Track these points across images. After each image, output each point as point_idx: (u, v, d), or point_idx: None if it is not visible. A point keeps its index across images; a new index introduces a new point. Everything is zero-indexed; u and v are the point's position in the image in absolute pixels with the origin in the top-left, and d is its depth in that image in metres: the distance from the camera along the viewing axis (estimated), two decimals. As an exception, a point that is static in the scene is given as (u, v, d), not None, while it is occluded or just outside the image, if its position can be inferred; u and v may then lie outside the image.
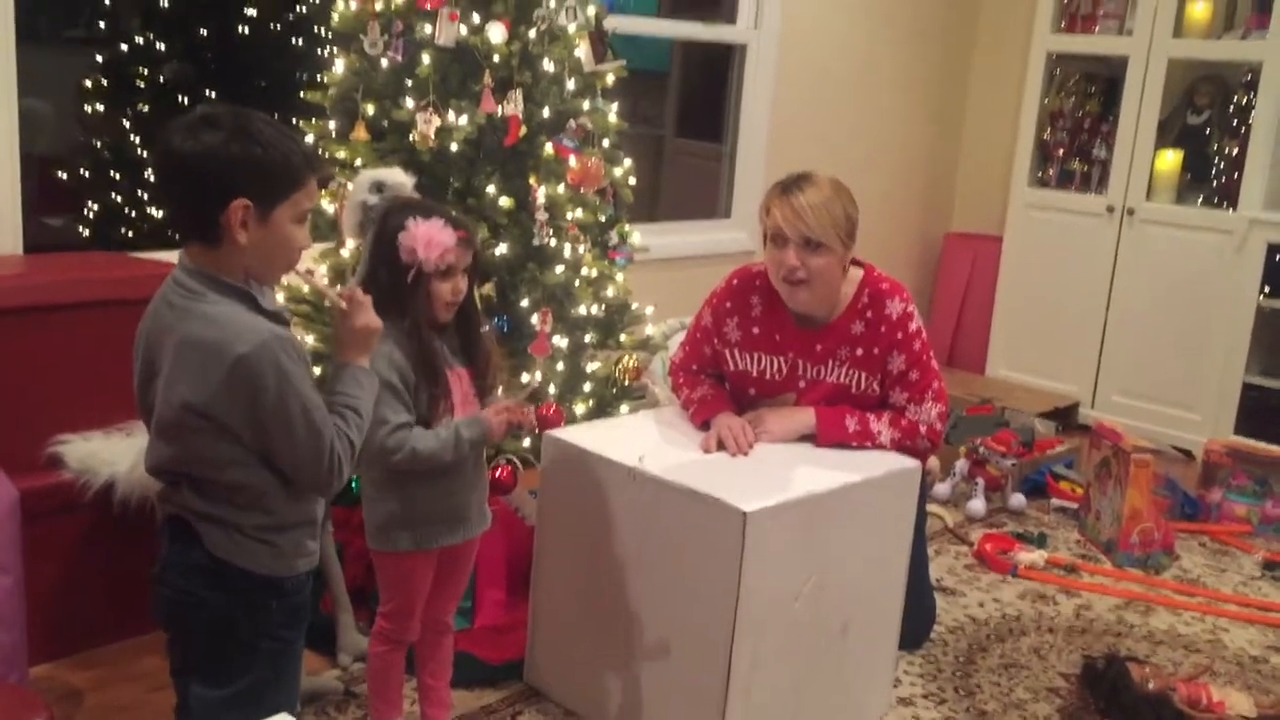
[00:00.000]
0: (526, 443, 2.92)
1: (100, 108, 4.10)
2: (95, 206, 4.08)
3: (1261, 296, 4.66)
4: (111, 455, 2.60)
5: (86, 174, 4.10)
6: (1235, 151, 4.87)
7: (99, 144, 4.13)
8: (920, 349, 2.64)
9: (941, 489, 4.15)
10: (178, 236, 1.76)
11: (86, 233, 4.07)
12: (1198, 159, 5.02)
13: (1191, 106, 5.08)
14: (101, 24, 4.21)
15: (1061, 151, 5.35)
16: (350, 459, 1.79)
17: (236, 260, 1.71)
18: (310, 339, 3.03)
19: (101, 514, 2.63)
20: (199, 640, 1.81)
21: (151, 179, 4.04)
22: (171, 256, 3.20)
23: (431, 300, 2.13)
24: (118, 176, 4.08)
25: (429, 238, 2.08)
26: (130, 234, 4.01)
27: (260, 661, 1.81)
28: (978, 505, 4.03)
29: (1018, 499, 4.12)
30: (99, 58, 4.11)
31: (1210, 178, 4.99)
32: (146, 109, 4.09)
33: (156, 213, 4.04)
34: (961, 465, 4.16)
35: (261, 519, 1.76)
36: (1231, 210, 4.78)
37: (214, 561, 1.76)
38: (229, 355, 1.64)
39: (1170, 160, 5.00)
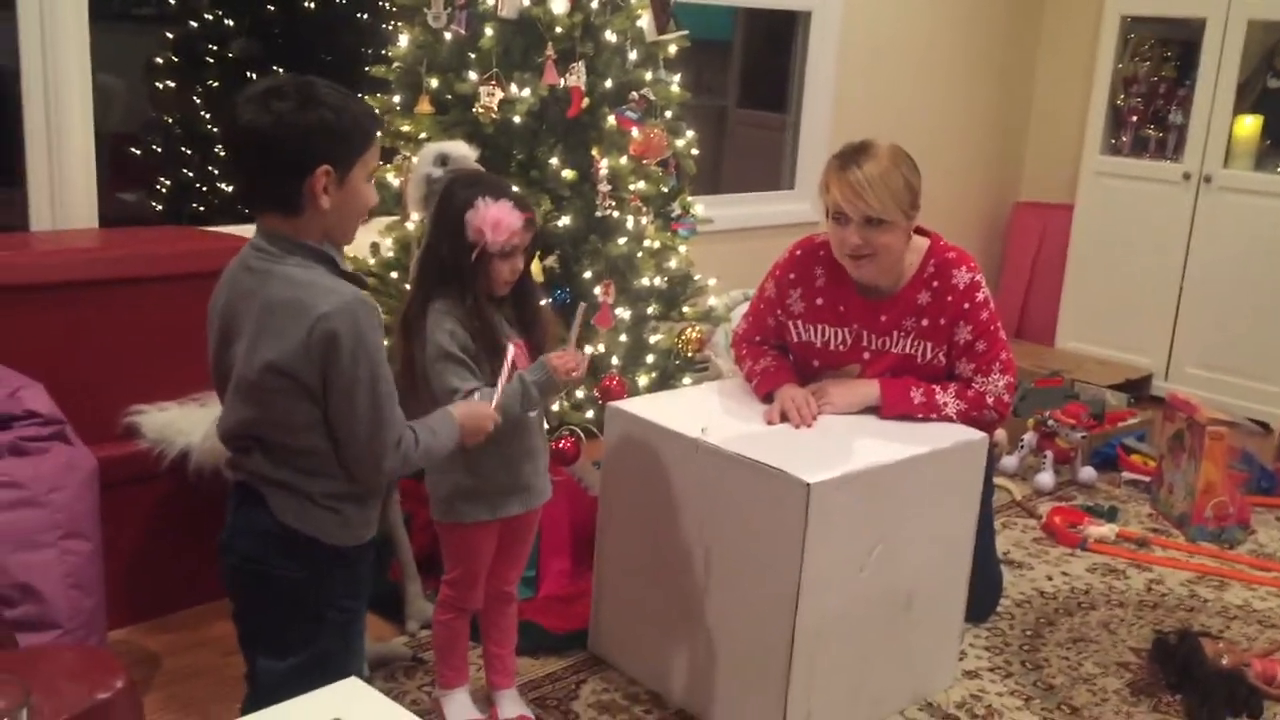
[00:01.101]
0: (590, 414, 2.94)
1: (171, 84, 4.17)
2: (167, 182, 4.14)
3: (1344, 265, 4.53)
4: (186, 425, 2.66)
5: (158, 149, 4.17)
6: (1318, 116, 4.73)
7: (170, 120, 4.20)
8: (987, 319, 2.60)
9: (1009, 462, 4.10)
10: (250, 208, 1.78)
11: (159, 207, 4.14)
12: (1278, 124, 4.87)
13: (1271, 70, 4.92)
14: (171, 1, 4.26)
15: (1135, 118, 5.22)
16: (399, 462, 1.79)
17: (316, 224, 1.73)
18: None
19: (177, 483, 2.68)
20: (265, 609, 1.85)
21: (222, 154, 4.10)
22: (242, 230, 3.26)
23: (492, 278, 2.15)
24: (189, 152, 4.14)
25: (497, 220, 2.09)
26: (202, 209, 4.08)
27: (326, 631, 1.84)
28: (1046, 478, 3.98)
29: (1087, 472, 4.06)
30: (169, 35, 4.16)
31: (1291, 143, 4.84)
32: (216, 85, 4.15)
33: (227, 188, 4.10)
34: (1030, 438, 4.11)
35: (331, 486, 1.79)
36: (1313, 176, 4.64)
37: (282, 529, 1.78)
38: (311, 314, 1.66)
39: (1249, 126, 4.86)
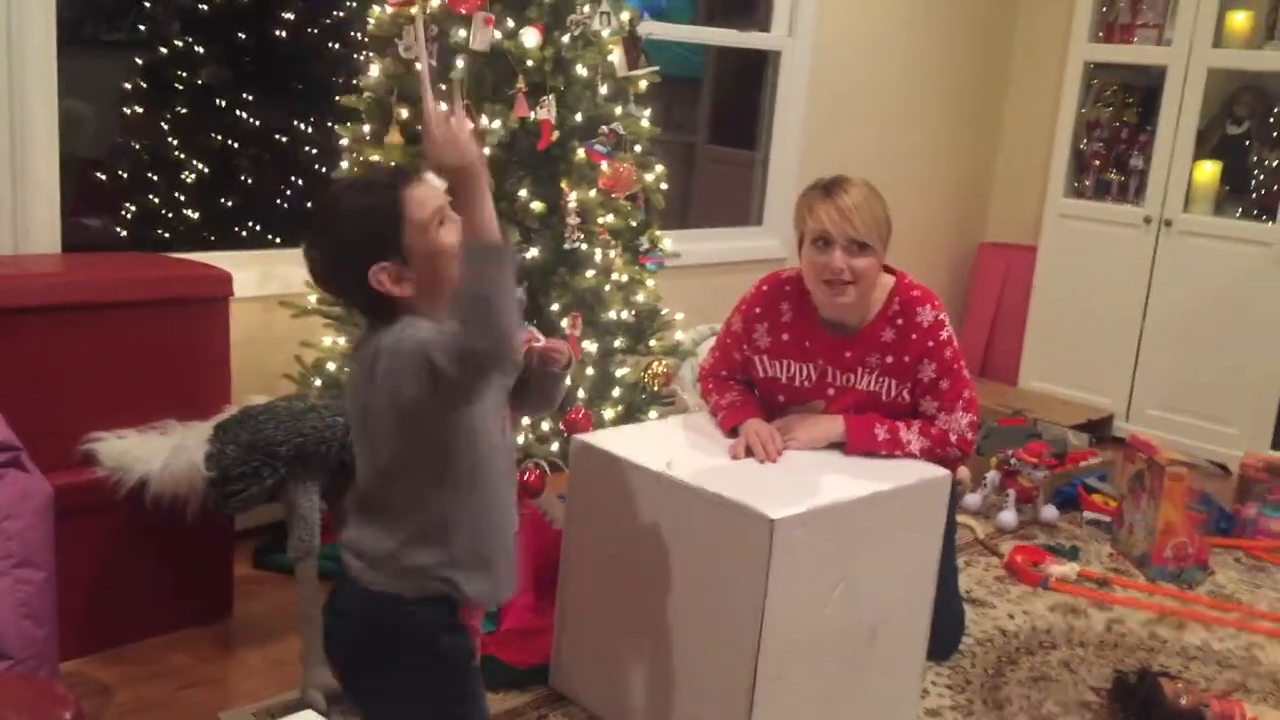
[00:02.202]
0: (555, 447, 2.93)
1: (139, 110, 4.15)
2: (133, 208, 4.12)
3: (1301, 310, 4.60)
4: (145, 453, 2.62)
5: (124, 175, 4.15)
6: (1275, 163, 4.81)
7: (137, 146, 4.18)
8: (951, 357, 2.62)
9: (972, 500, 4.12)
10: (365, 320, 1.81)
11: (124, 234, 4.11)
12: (1237, 170, 4.96)
13: (1231, 117, 5.02)
14: (141, 28, 4.25)
15: (1098, 162, 5.30)
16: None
17: (405, 310, 1.73)
18: (342, 340, 3.05)
19: (134, 512, 2.65)
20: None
21: (188, 181, 4.09)
22: (206, 256, 3.24)
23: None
24: (155, 178, 4.12)
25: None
26: (166, 235, 4.05)
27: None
28: (1009, 517, 4.00)
29: (1049, 511, 4.08)
30: (138, 61, 4.15)
31: (1249, 189, 4.93)
32: (184, 111, 4.14)
33: (193, 214, 4.08)
34: (993, 476, 4.13)
35: None
36: (1271, 222, 4.72)
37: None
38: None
39: (1209, 171, 4.95)
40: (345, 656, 1.85)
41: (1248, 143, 4.97)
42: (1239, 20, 4.82)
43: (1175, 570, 3.66)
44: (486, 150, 2.85)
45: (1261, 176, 4.89)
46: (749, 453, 2.52)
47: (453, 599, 1.76)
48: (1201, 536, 3.82)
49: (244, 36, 4.17)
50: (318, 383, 3.02)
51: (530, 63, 2.86)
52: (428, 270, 1.72)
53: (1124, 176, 5.23)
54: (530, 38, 2.86)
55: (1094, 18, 5.18)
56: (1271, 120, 4.90)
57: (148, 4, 4.20)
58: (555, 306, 2.95)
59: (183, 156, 4.13)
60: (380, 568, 1.75)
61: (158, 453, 2.60)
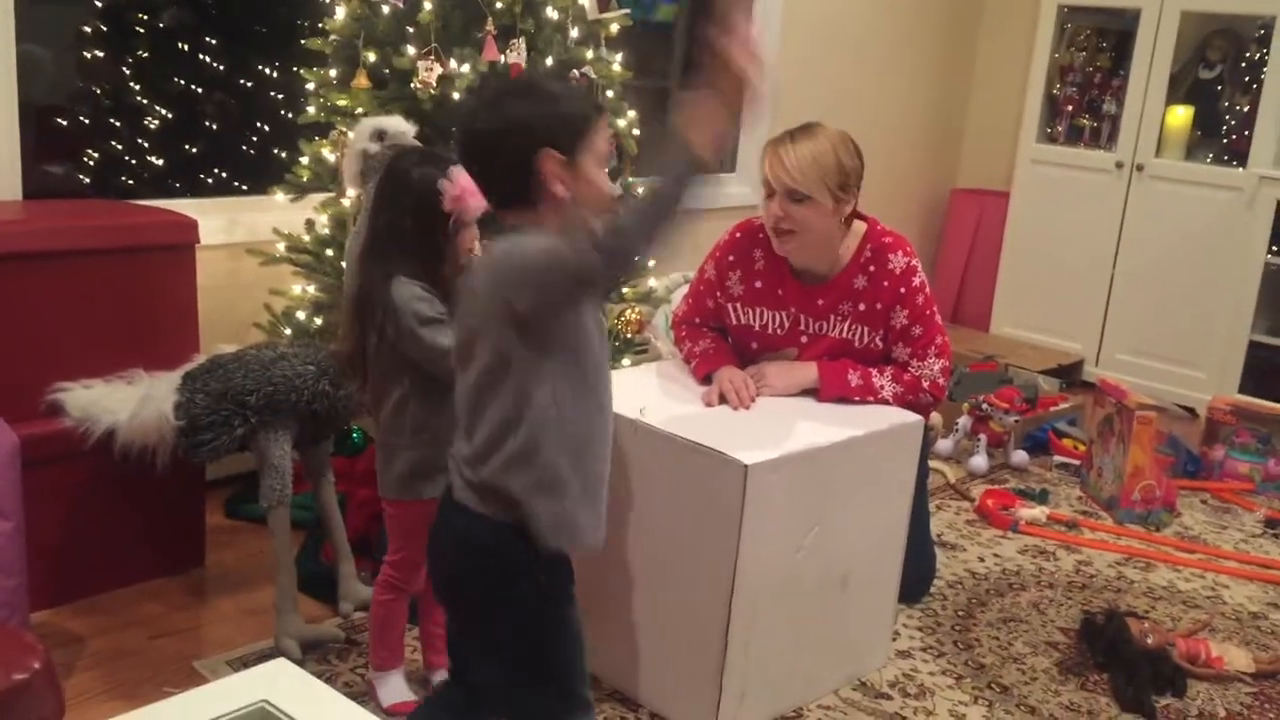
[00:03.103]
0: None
1: (99, 54, 4.05)
2: (95, 154, 4.04)
3: (1270, 255, 4.63)
4: (112, 403, 2.59)
5: (86, 121, 4.06)
6: (1246, 107, 4.81)
7: (98, 91, 4.09)
8: (923, 304, 2.62)
9: (944, 445, 4.14)
10: (496, 210, 1.79)
11: (86, 180, 4.04)
12: (1209, 115, 4.97)
13: (1204, 61, 5.02)
14: (100, -31, 4.15)
15: (1071, 107, 5.30)
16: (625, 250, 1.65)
17: (554, 216, 1.71)
18: (312, 289, 3.01)
19: (102, 462, 2.62)
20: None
21: (151, 127, 4.01)
22: (171, 203, 3.19)
23: (458, 247, 2.16)
24: (117, 124, 4.04)
25: (474, 188, 2.09)
26: (130, 181, 3.98)
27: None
28: (980, 461, 4.03)
29: (1020, 456, 4.12)
30: (98, 3, 4.05)
31: (1221, 134, 4.94)
32: (145, 55, 4.04)
33: (157, 161, 4.01)
34: (964, 422, 4.16)
35: None
36: (1241, 168, 4.74)
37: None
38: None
39: (1181, 116, 4.95)
40: (466, 587, 1.81)
41: (1220, 87, 4.97)
42: (1213, -37, 4.81)
43: (1143, 513, 3.70)
44: (456, 95, 2.81)
45: (1233, 121, 4.90)
46: (723, 400, 2.52)
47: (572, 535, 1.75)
48: (1169, 479, 3.87)
49: (205, -22, 4.07)
50: (287, 331, 2.99)
51: (500, 5, 2.82)
52: (579, 195, 1.73)
53: (1096, 122, 5.23)
54: (499, -21, 2.81)
55: (1068, -40, 5.15)
56: (1244, 64, 4.90)
57: (106, -55, 4.09)
58: (527, 253, 2.92)
59: (145, 102, 4.04)
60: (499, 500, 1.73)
61: (125, 402, 2.57)
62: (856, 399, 2.58)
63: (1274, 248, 4.62)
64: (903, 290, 2.61)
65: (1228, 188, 4.74)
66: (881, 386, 2.59)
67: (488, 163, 1.75)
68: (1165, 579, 3.35)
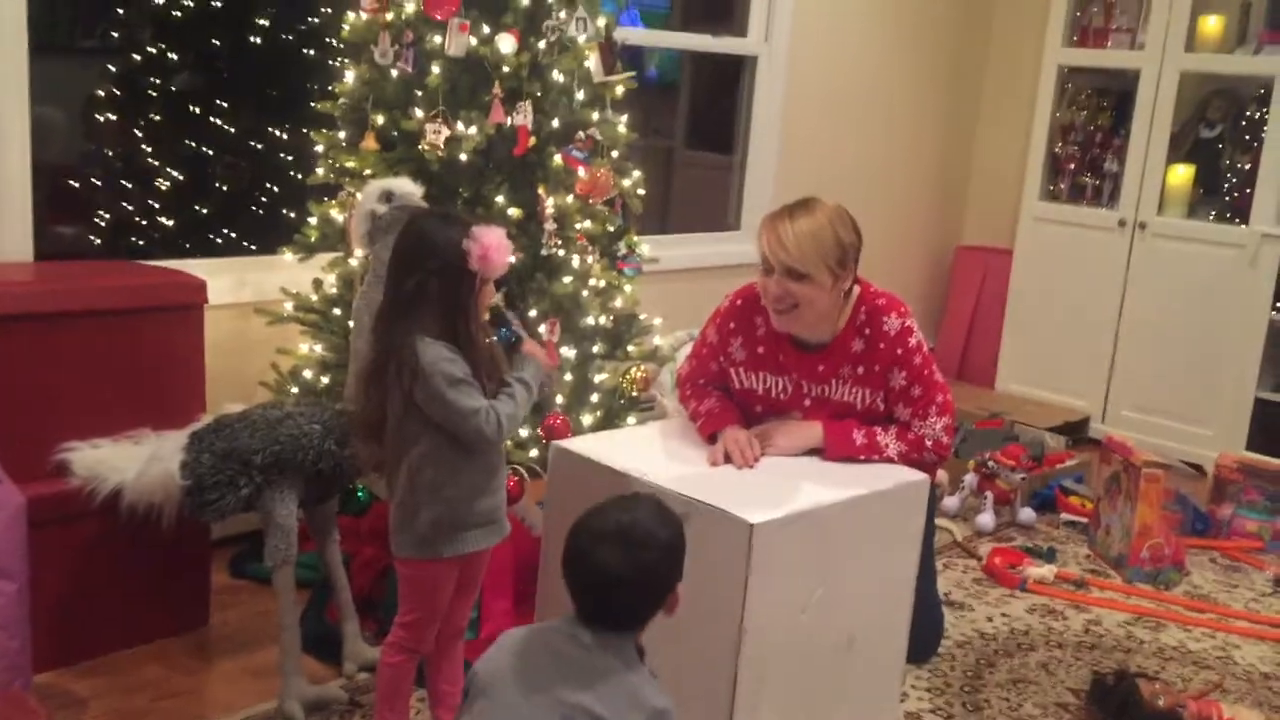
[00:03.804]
0: (534, 453, 2.92)
1: (112, 117, 4.12)
2: (106, 215, 4.08)
3: (1274, 311, 4.64)
4: (119, 463, 2.60)
5: (97, 183, 4.12)
6: (1247, 166, 4.85)
7: (110, 153, 4.15)
8: (921, 364, 2.63)
9: (950, 503, 4.13)
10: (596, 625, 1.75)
11: (97, 241, 4.08)
12: (1210, 173, 5.00)
13: (1204, 120, 5.06)
14: (115, 34, 4.22)
15: (1073, 165, 5.34)
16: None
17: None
18: (319, 348, 3.03)
19: (108, 522, 2.63)
20: None
21: (161, 188, 4.06)
22: (181, 264, 3.22)
23: (479, 305, 2.20)
24: (129, 185, 4.09)
25: (499, 245, 2.15)
26: (140, 243, 4.02)
27: None
28: (986, 519, 4.02)
29: (1027, 513, 4.10)
30: (111, 67, 4.12)
31: (1222, 192, 4.97)
32: (158, 118, 4.11)
33: (167, 221, 4.05)
34: (970, 479, 4.15)
35: None
36: (1244, 225, 4.76)
37: None
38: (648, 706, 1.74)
39: (1182, 174, 4.99)
40: None
41: (1220, 146, 5.01)
42: (1210, 24, 4.87)
43: (1152, 571, 3.68)
44: (463, 156, 2.85)
45: (1234, 179, 4.93)
46: (727, 459, 2.52)
47: None
48: (1177, 537, 3.84)
49: (218, 43, 4.13)
50: (294, 390, 3.01)
51: (506, 69, 2.86)
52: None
53: (1098, 180, 5.26)
54: (506, 44, 2.85)
55: (1068, 22, 5.22)
56: (1244, 124, 4.94)
57: (121, 10, 4.16)
58: (533, 312, 2.94)
59: (156, 164, 4.10)
60: None
61: (132, 462, 2.58)
62: (861, 458, 2.58)
63: (1278, 304, 4.63)
64: (899, 351, 2.61)
65: (1230, 245, 4.77)
66: (886, 445, 2.59)
67: (625, 601, 1.73)
68: (1176, 639, 3.32)
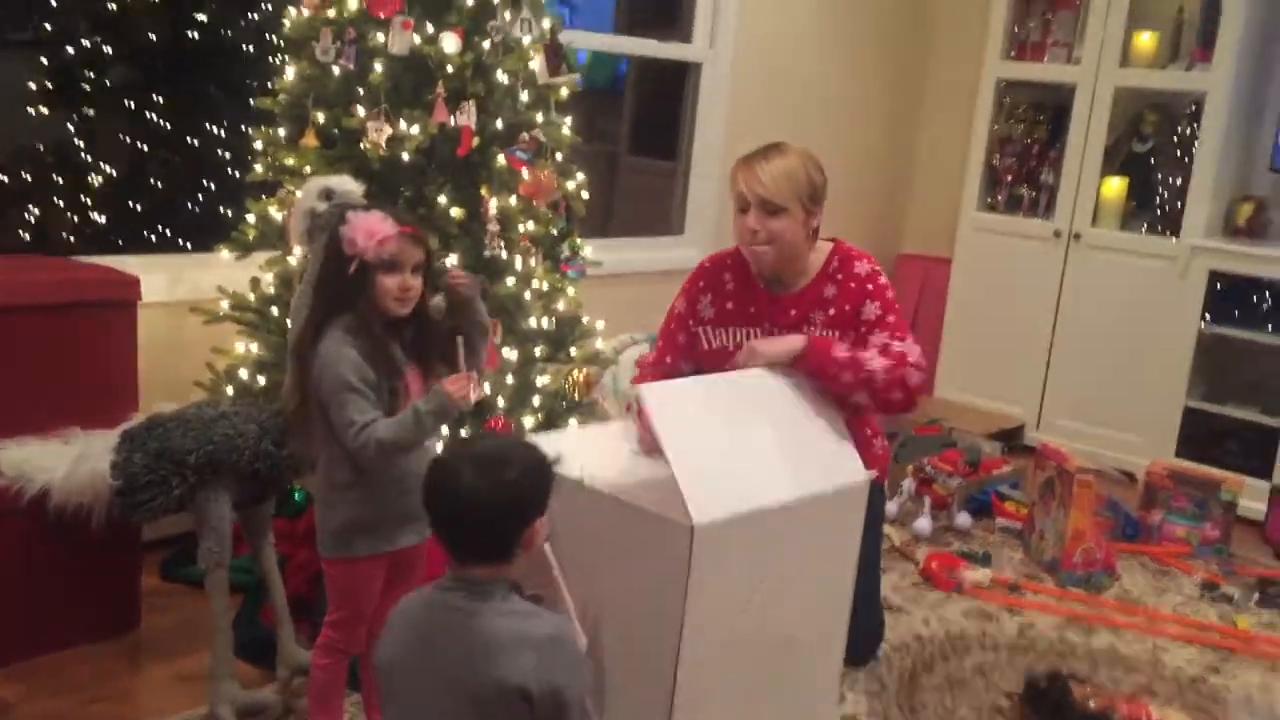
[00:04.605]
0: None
1: (45, 111, 4.03)
2: (37, 210, 4.00)
3: (1203, 323, 4.74)
4: (47, 462, 2.54)
5: (28, 177, 4.03)
6: (1179, 180, 4.95)
7: (42, 147, 4.06)
8: (892, 298, 2.68)
9: (889, 507, 4.16)
10: (458, 558, 1.79)
11: (27, 237, 3.99)
12: (1142, 186, 5.10)
13: (1137, 135, 5.17)
14: (48, 26, 4.13)
15: (1010, 177, 5.42)
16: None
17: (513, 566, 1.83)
18: (255, 347, 2.99)
19: (35, 522, 2.57)
20: None
21: (95, 184, 3.98)
22: (112, 260, 3.16)
23: (379, 295, 2.13)
24: (61, 180, 4.01)
25: (368, 227, 2.10)
26: (73, 239, 3.94)
27: None
28: (924, 524, 4.06)
29: (963, 518, 4.15)
30: (44, 60, 4.03)
31: (1154, 205, 5.07)
32: (92, 113, 4.03)
33: (100, 218, 3.98)
34: (909, 484, 4.19)
35: None
36: (1175, 238, 4.86)
37: None
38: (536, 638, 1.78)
39: (1115, 187, 5.09)
40: None
41: (1153, 160, 5.12)
42: (1144, 40, 4.97)
43: (1084, 575, 3.74)
44: (405, 156, 2.82)
45: (1166, 193, 5.03)
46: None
47: None
48: (1109, 542, 3.91)
49: (155, 37, 4.07)
50: (230, 390, 2.96)
51: (450, 68, 2.84)
52: None
53: (1035, 191, 5.35)
54: (450, 43, 2.84)
55: (1006, 36, 5.30)
56: (1176, 139, 5.05)
57: (55, 2, 4.08)
58: (474, 313, 2.92)
59: (90, 159, 4.02)
60: None
61: (60, 461, 2.52)
62: (844, 374, 2.45)
63: (1207, 316, 4.73)
64: (870, 287, 2.68)
65: (1162, 257, 4.87)
66: (868, 359, 2.49)
67: (478, 524, 1.76)
68: (1107, 642, 3.37)
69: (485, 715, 1.69)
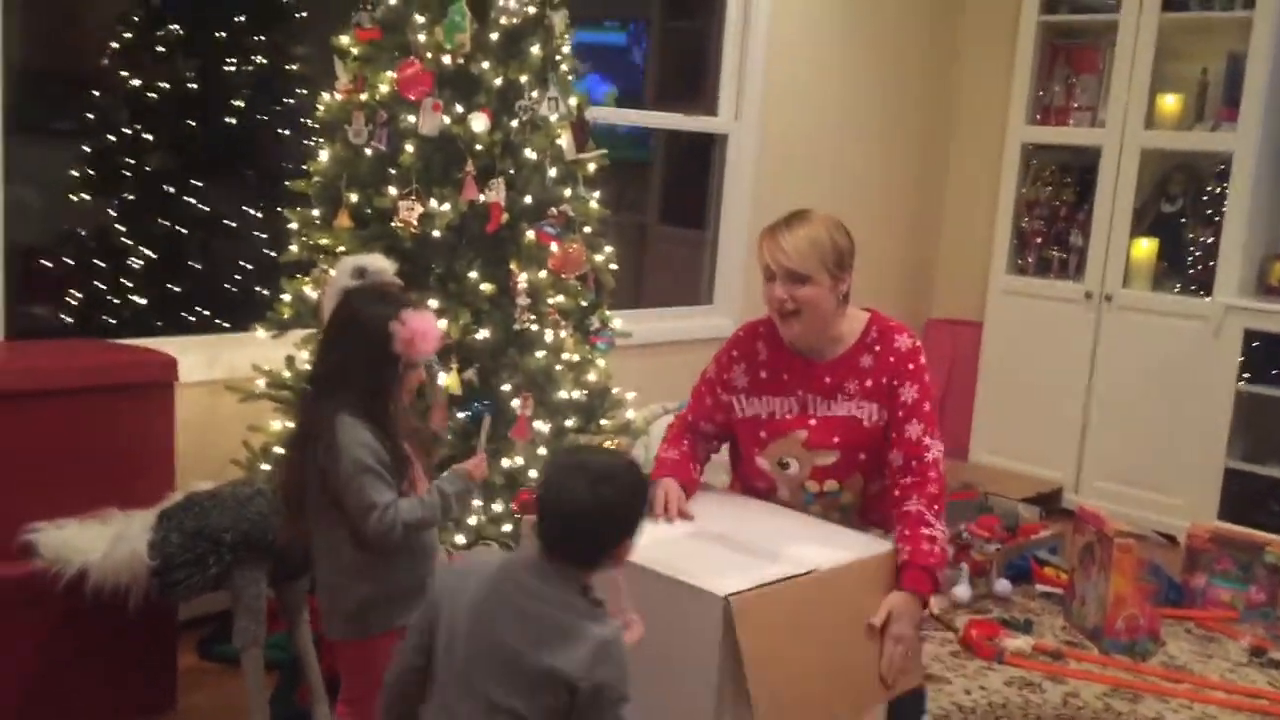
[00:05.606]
0: (507, 528, 2.90)
1: (86, 197, 4.14)
2: (79, 295, 4.08)
3: (1240, 382, 4.69)
4: (85, 543, 2.57)
5: (71, 262, 4.12)
6: (1209, 239, 4.94)
7: (84, 233, 4.16)
8: (929, 382, 2.65)
9: (926, 575, 4.11)
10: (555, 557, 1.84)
11: (69, 320, 4.07)
12: (1173, 246, 5.09)
13: (1165, 195, 5.16)
14: (90, 115, 4.26)
15: (1039, 239, 5.43)
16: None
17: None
18: (289, 424, 3.02)
19: (74, 604, 2.58)
20: None
21: (135, 267, 4.06)
22: (152, 342, 3.21)
23: (402, 389, 2.17)
24: (102, 265, 4.10)
25: (426, 331, 2.13)
26: (113, 321, 4.02)
27: None
28: (963, 591, 4.00)
29: (1003, 584, 4.09)
30: (86, 148, 4.15)
31: (1186, 265, 5.05)
32: (133, 198, 4.13)
33: (140, 300, 4.05)
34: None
35: None
36: (1207, 297, 4.84)
37: None
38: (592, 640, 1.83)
39: (1145, 248, 5.07)
40: None
41: (1183, 220, 5.11)
42: (1169, 103, 4.99)
43: (1128, 642, 3.67)
44: (436, 233, 2.87)
45: (1198, 252, 5.02)
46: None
47: None
48: (1152, 607, 3.84)
49: (193, 123, 4.18)
50: (265, 467, 2.99)
51: (479, 146, 2.90)
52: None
53: (1064, 253, 5.35)
54: (479, 123, 2.89)
55: (1030, 101, 5.34)
56: (1204, 199, 5.04)
57: (96, 92, 4.20)
58: (506, 387, 2.95)
59: (130, 243, 4.11)
60: None
61: (98, 542, 2.55)
62: (939, 571, 2.51)
63: (1245, 375, 4.69)
64: (910, 366, 2.63)
65: (1195, 317, 4.84)
66: (938, 534, 2.51)
67: (586, 533, 1.84)
68: (1153, 710, 3.30)
69: (529, 690, 1.76)
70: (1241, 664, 3.70)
